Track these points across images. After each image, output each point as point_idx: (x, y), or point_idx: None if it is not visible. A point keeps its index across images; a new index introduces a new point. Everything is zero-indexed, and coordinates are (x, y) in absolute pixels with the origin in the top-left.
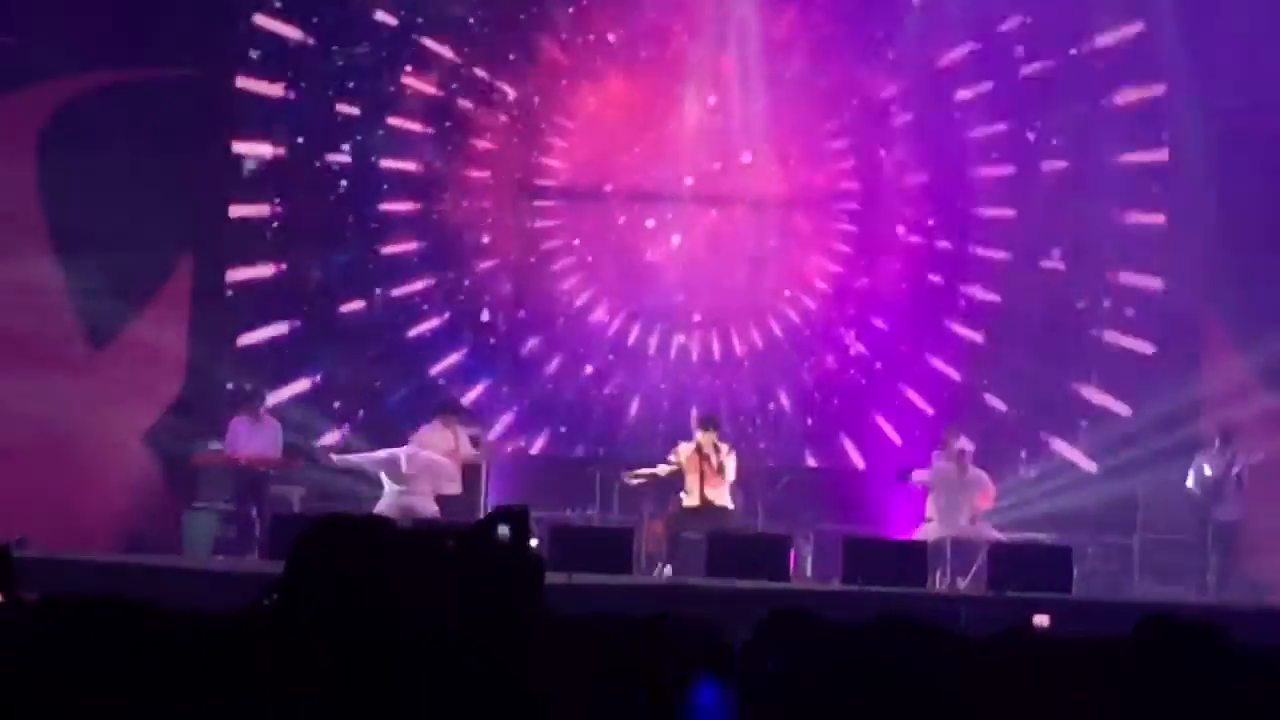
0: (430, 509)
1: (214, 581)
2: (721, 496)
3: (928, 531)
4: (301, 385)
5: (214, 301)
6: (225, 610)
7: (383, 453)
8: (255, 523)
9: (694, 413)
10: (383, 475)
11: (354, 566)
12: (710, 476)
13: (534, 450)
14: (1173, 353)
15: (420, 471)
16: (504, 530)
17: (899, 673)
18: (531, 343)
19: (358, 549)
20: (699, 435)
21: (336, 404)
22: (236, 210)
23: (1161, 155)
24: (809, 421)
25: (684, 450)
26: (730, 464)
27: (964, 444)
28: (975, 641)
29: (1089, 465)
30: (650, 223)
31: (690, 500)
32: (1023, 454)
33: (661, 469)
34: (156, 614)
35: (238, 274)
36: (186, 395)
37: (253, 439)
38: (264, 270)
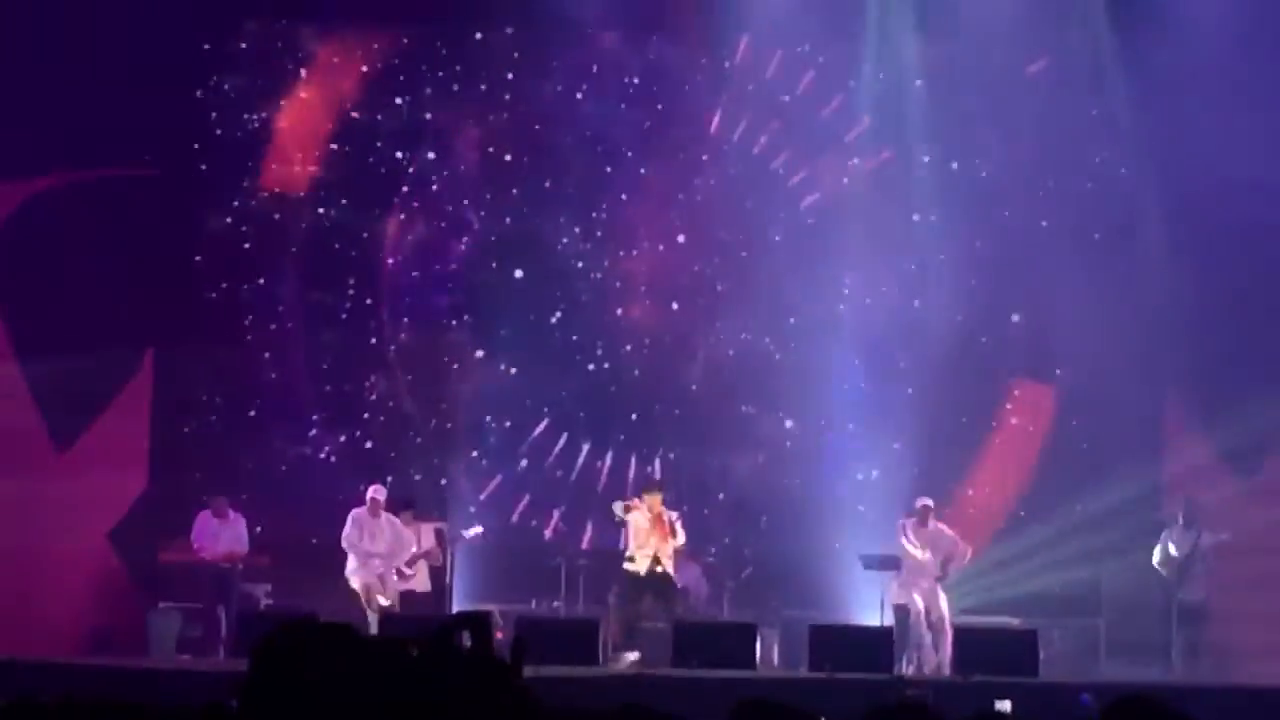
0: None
1: (179, 681)
2: (670, 563)
3: (894, 592)
4: None
5: (177, 398)
6: (191, 709)
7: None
8: (221, 621)
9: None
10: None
11: (315, 671)
12: (662, 543)
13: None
14: (1135, 436)
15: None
16: (465, 637)
17: None
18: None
19: (320, 653)
20: (649, 499)
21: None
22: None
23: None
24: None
25: (634, 511)
26: (680, 527)
27: (924, 500)
28: None
29: None
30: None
31: (638, 566)
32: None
33: (618, 509)
34: (121, 713)
35: None
36: (151, 493)
37: (219, 536)
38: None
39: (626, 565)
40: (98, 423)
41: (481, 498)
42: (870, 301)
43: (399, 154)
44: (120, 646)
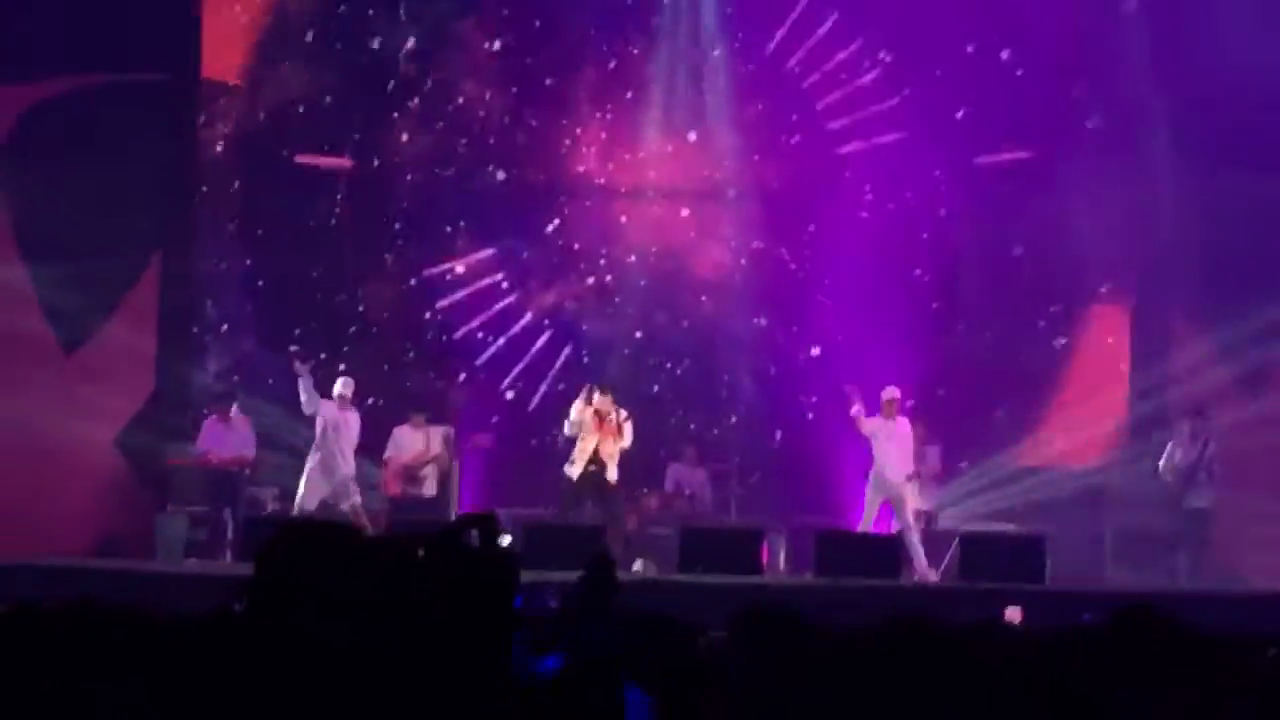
0: (347, 470)
1: (187, 585)
2: (613, 464)
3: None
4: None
5: (184, 301)
6: (199, 614)
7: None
8: (228, 525)
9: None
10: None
11: (320, 574)
12: (605, 440)
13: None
14: (1138, 334)
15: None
16: (473, 535)
17: (878, 671)
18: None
19: (324, 556)
20: (597, 398)
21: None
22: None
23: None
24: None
25: (578, 412)
26: (628, 428)
27: (890, 393)
28: (950, 635)
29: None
30: (624, 218)
31: (574, 469)
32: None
33: (568, 429)
34: (131, 619)
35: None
36: (157, 397)
37: (225, 440)
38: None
39: (565, 469)
40: (104, 327)
41: (487, 408)
42: (893, 208)
43: (392, 53)
44: (128, 550)
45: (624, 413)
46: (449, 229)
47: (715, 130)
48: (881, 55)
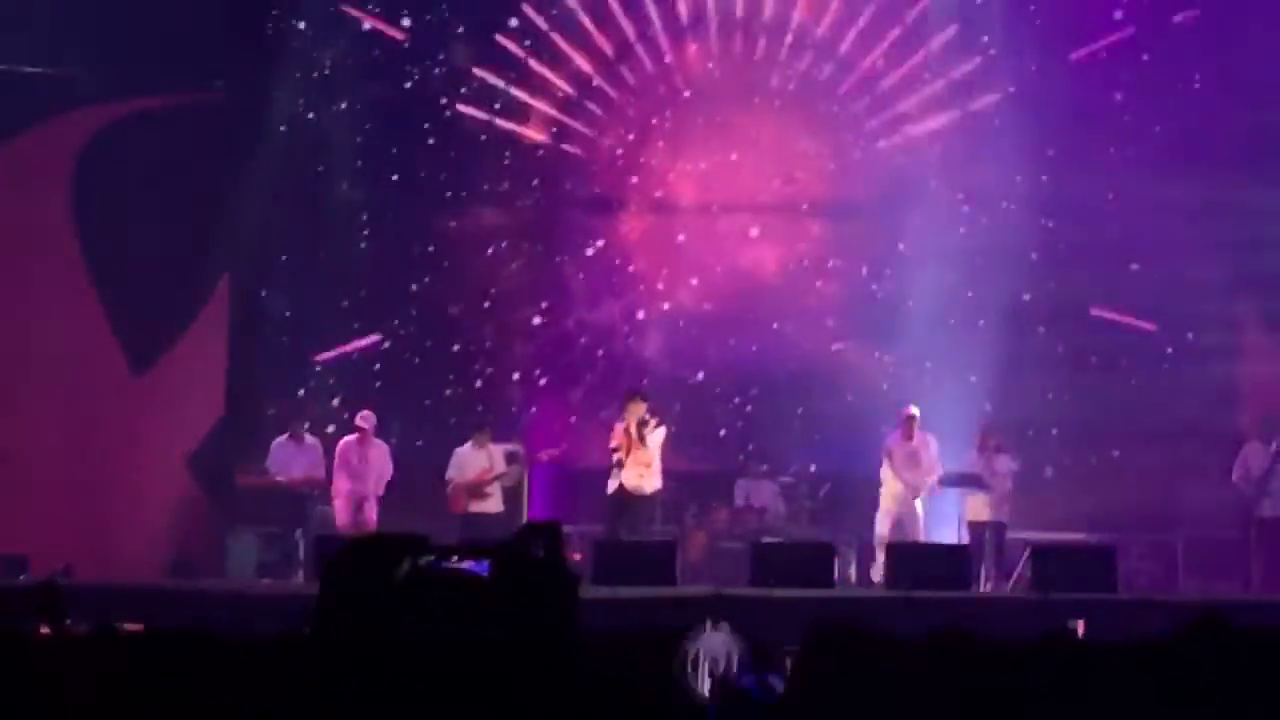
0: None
1: (258, 605)
2: (642, 478)
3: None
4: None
5: (253, 322)
6: (271, 635)
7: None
8: (299, 545)
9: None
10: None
11: (384, 588)
12: (636, 451)
13: (575, 464)
14: (1211, 345)
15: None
16: (537, 547)
17: (947, 685)
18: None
19: (387, 570)
20: (630, 408)
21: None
22: None
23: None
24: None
25: (618, 429)
26: (654, 437)
27: (909, 410)
28: (1020, 648)
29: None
30: (681, 237)
31: (613, 483)
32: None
33: (612, 443)
34: (203, 642)
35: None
36: (228, 417)
37: (295, 460)
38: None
39: (609, 484)
40: (175, 348)
41: (557, 427)
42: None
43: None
44: (200, 570)
45: (654, 421)
46: (501, 248)
47: (784, 138)
48: (975, 47)
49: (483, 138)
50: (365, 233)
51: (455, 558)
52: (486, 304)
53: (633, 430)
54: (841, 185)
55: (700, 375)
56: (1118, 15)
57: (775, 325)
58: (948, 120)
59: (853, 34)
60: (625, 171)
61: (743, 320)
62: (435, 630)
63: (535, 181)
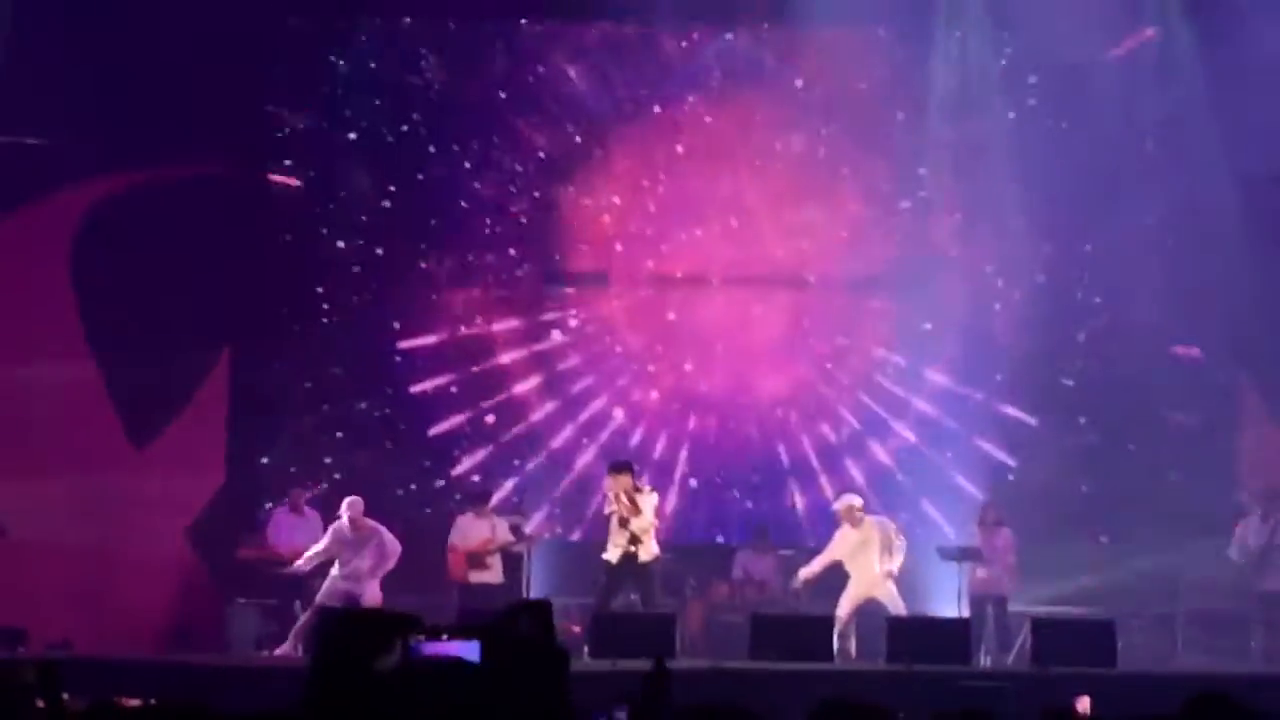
0: (375, 595)
1: (258, 678)
2: (645, 540)
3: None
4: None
5: (252, 396)
6: (269, 711)
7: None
8: (299, 616)
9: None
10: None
11: (374, 676)
12: (629, 520)
13: (574, 537)
14: (1213, 423)
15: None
16: (526, 625)
17: None
18: (565, 433)
19: (376, 654)
20: (613, 481)
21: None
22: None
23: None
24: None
25: (609, 499)
26: (648, 501)
27: (846, 500)
28: None
29: None
30: (671, 314)
31: (609, 554)
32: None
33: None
34: (204, 717)
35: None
36: (228, 490)
37: (296, 531)
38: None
39: (603, 556)
40: (175, 421)
41: (556, 494)
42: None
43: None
44: (200, 643)
45: (646, 488)
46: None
47: (789, 204)
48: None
49: (463, 204)
50: (354, 298)
51: (445, 637)
52: (475, 369)
53: (624, 500)
54: (851, 256)
55: (690, 452)
56: None
57: (779, 411)
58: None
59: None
60: (612, 241)
61: (743, 398)
62: (428, 716)
63: (513, 251)
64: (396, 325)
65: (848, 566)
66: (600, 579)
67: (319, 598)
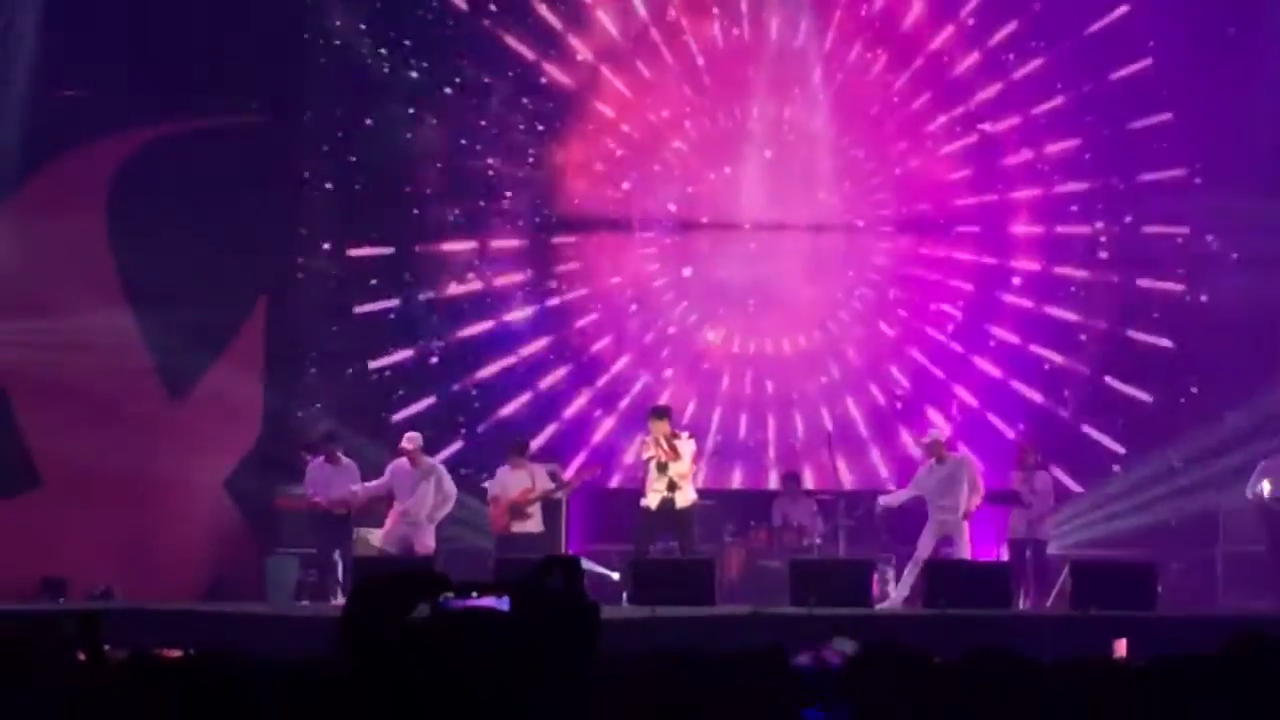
0: (428, 543)
1: (297, 627)
2: (684, 486)
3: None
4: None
5: (290, 345)
6: (309, 658)
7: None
8: (337, 565)
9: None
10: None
11: (404, 628)
12: (667, 466)
13: (612, 484)
14: (1256, 361)
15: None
16: (556, 579)
17: (991, 706)
18: (615, 370)
19: (407, 609)
20: (653, 426)
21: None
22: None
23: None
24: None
25: (647, 442)
26: (685, 447)
27: (935, 433)
28: (1063, 668)
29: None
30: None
31: (648, 500)
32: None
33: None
34: (244, 666)
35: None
36: (265, 440)
37: (332, 482)
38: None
39: (641, 503)
40: (211, 371)
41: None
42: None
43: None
44: (238, 593)
45: (685, 434)
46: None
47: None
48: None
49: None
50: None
51: (475, 594)
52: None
53: (663, 444)
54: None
55: (735, 394)
56: None
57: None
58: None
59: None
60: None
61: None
62: (457, 668)
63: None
64: (409, 276)
65: (931, 503)
66: (639, 525)
67: (380, 539)
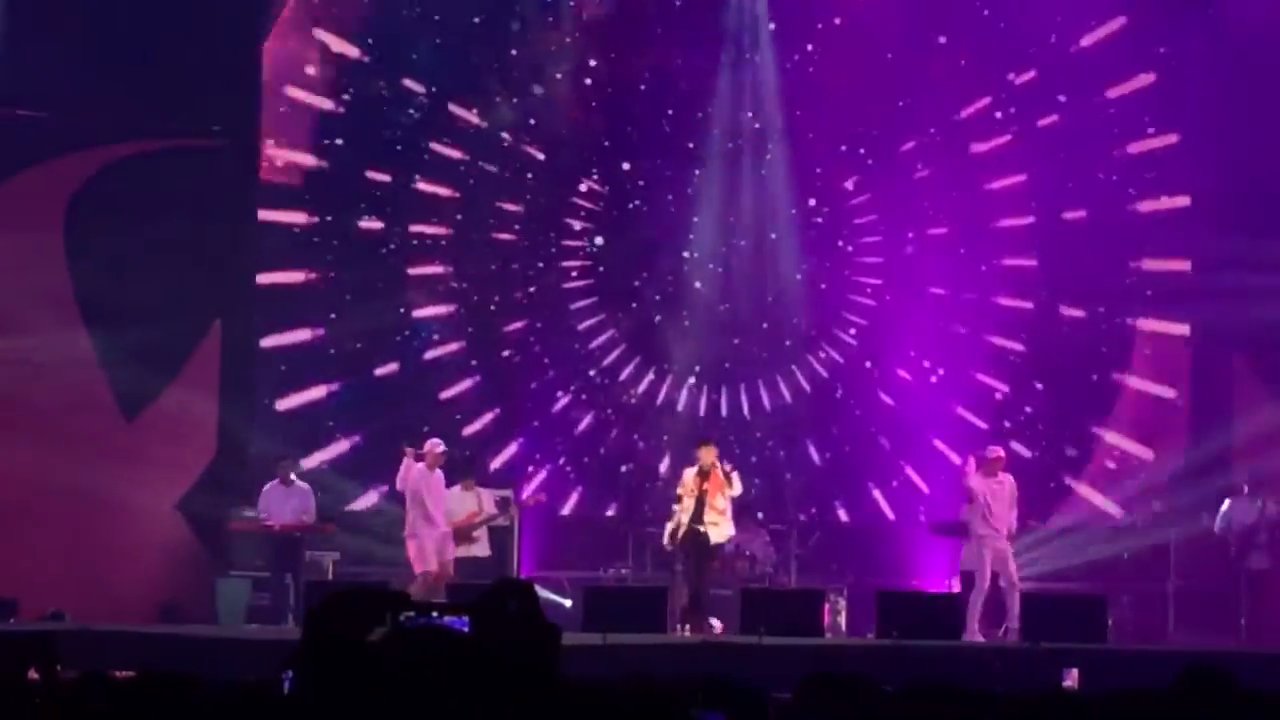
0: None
1: (248, 650)
2: (723, 520)
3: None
4: (340, 448)
5: (245, 368)
6: (258, 680)
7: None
8: (289, 589)
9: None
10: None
11: (366, 644)
12: (714, 495)
13: (565, 511)
14: (1204, 400)
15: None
16: (512, 603)
17: None
18: (562, 401)
19: (369, 626)
20: (701, 452)
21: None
22: (265, 278)
23: (1183, 200)
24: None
25: (687, 475)
26: (736, 478)
27: (994, 451)
28: (1011, 701)
29: (1115, 512)
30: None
31: (673, 522)
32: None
33: (678, 510)
34: (192, 688)
35: (272, 340)
36: (219, 462)
37: (286, 504)
38: (300, 335)
39: (667, 529)
40: (166, 392)
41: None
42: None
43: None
44: (190, 615)
45: (728, 465)
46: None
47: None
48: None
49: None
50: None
51: (435, 614)
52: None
53: (722, 472)
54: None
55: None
56: None
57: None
58: None
59: None
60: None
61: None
62: (416, 685)
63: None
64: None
65: (984, 524)
66: (679, 560)
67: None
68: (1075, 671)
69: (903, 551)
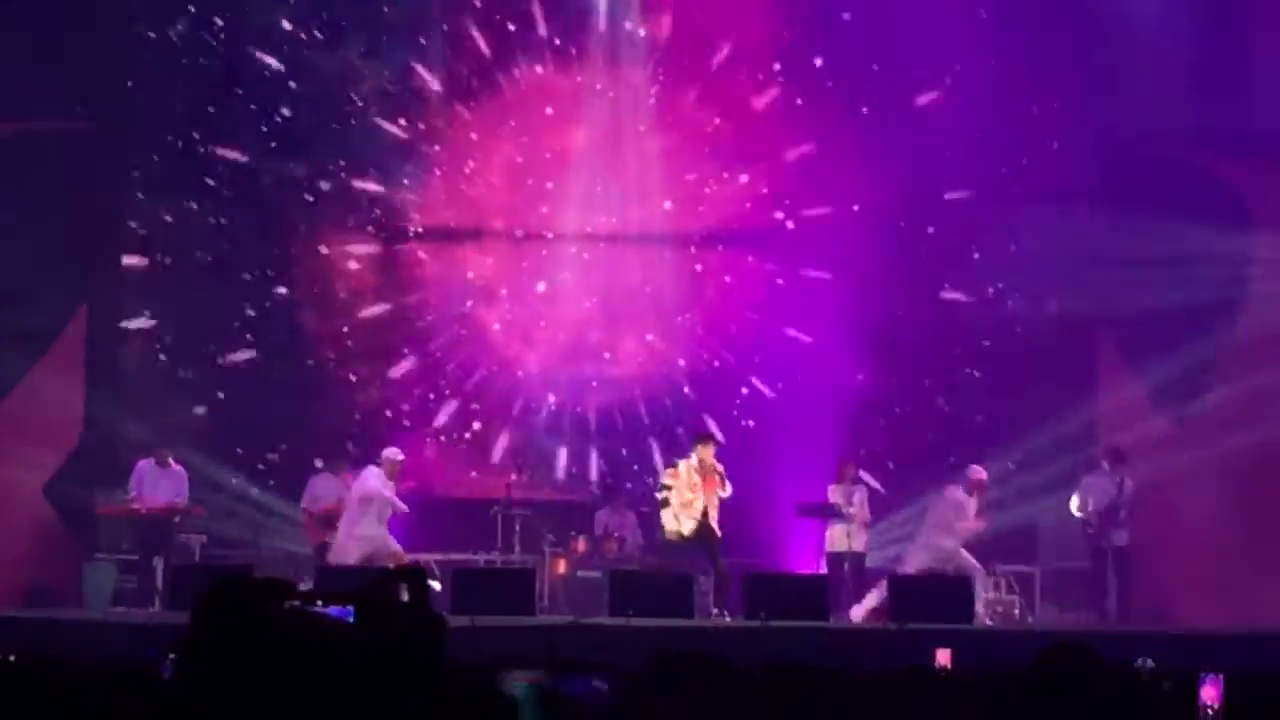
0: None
1: (114, 633)
2: (715, 513)
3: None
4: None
5: (110, 350)
6: (125, 664)
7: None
8: (157, 572)
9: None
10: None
11: (253, 631)
12: (711, 493)
13: (434, 493)
14: (1067, 376)
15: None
16: (401, 591)
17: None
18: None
19: (256, 613)
20: (699, 450)
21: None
22: (128, 260)
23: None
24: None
25: (683, 468)
26: (727, 480)
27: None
28: (877, 681)
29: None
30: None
31: (681, 526)
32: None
33: (673, 484)
34: (60, 671)
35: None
36: (85, 445)
37: (159, 486)
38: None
39: (668, 525)
40: (31, 377)
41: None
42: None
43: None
44: (56, 599)
45: (720, 465)
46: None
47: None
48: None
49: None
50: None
51: (319, 603)
52: (346, 329)
53: (719, 472)
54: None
55: (558, 404)
56: None
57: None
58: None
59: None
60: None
61: (609, 352)
62: (301, 674)
63: (377, 214)
64: (247, 277)
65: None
66: (669, 544)
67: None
68: (948, 651)
69: (771, 534)
